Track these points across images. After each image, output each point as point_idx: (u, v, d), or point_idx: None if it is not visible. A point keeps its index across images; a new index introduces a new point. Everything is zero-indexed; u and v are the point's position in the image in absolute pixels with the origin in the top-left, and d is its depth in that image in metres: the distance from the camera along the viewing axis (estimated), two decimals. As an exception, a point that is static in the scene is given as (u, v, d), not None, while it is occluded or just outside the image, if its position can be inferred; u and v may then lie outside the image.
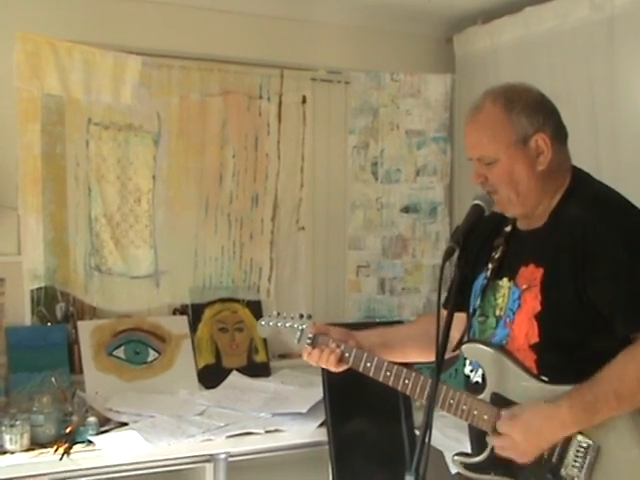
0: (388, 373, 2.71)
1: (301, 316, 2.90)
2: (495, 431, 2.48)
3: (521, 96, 2.57)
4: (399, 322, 4.50)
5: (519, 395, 2.51)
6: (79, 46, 4.18)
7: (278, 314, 2.96)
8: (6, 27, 4.05)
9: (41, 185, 4.16)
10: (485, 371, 2.58)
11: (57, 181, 4.29)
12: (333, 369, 2.83)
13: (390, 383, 2.71)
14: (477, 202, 2.58)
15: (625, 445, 2.40)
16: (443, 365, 2.46)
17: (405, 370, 2.69)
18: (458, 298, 2.63)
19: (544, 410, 2.41)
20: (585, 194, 2.56)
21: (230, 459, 3.88)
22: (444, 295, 2.65)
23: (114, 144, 4.43)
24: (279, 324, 2.93)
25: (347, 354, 2.80)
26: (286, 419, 4.06)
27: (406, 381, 2.68)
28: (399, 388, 2.70)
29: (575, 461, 2.41)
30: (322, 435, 4.01)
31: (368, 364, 2.75)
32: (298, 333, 2.87)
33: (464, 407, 2.56)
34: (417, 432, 4.02)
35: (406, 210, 5.21)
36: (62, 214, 4.31)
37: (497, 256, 2.68)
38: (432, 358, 2.82)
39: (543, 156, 2.53)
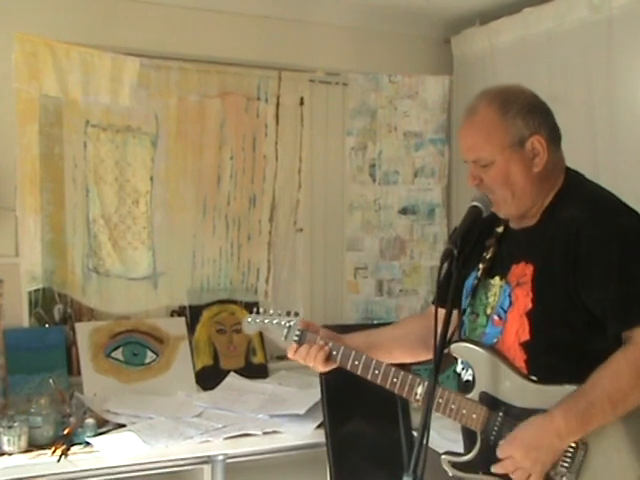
0: (376, 371, 2.70)
1: (288, 313, 2.89)
2: (497, 459, 2.47)
3: (516, 98, 2.57)
4: (396, 323, 4.51)
5: (508, 394, 2.52)
6: (77, 47, 4.18)
7: (265, 311, 2.94)
8: (4, 28, 4.06)
9: (39, 186, 4.17)
10: (474, 370, 2.59)
11: (55, 182, 4.29)
12: (320, 368, 2.81)
13: (378, 381, 2.71)
14: (475, 204, 2.59)
15: (613, 445, 2.41)
16: (441, 366, 2.45)
17: (393, 368, 2.68)
18: (454, 298, 2.63)
19: (538, 423, 2.41)
20: (578, 194, 2.57)
21: (228, 460, 3.88)
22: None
23: (112, 145, 4.43)
24: (266, 321, 2.91)
25: (335, 352, 2.78)
26: (284, 420, 4.06)
27: (394, 379, 2.67)
28: (387, 386, 2.69)
29: (564, 461, 2.42)
30: (320, 436, 4.01)
31: (356, 362, 2.75)
32: (285, 330, 2.85)
33: (453, 406, 2.56)
34: (415, 433, 4.01)
35: (404, 212, 5.21)
36: (60, 215, 4.31)
37: (488, 256, 2.69)
38: (419, 358, 2.86)
39: (539, 158, 2.54)
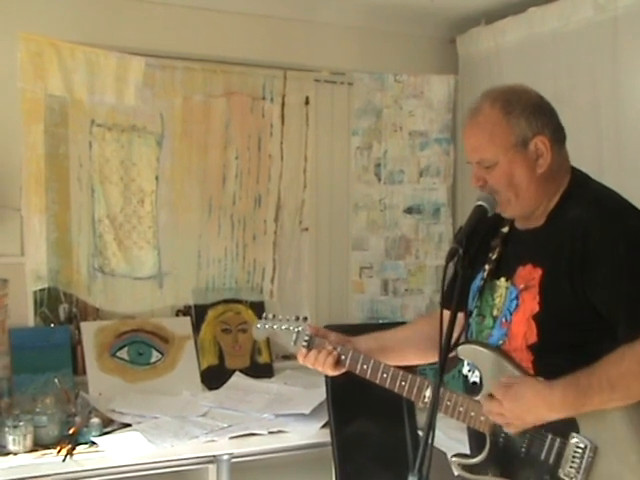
0: (384, 375, 2.72)
1: (297, 318, 2.91)
2: (490, 395, 2.50)
3: (520, 99, 2.56)
4: (402, 323, 4.49)
5: None
6: (82, 47, 4.19)
7: (274, 316, 2.96)
8: (9, 28, 4.06)
9: (44, 186, 4.17)
10: (481, 372, 2.59)
11: (60, 182, 4.29)
12: (330, 372, 2.83)
13: (387, 385, 2.72)
14: (480, 203, 2.58)
15: (623, 447, 2.40)
16: (446, 367, 2.45)
17: (401, 372, 2.70)
18: (460, 299, 2.62)
19: (537, 388, 2.43)
20: (585, 195, 2.56)
21: (233, 460, 3.88)
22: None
23: (117, 145, 4.43)
24: (275, 327, 2.94)
25: (343, 356, 2.80)
26: (289, 420, 4.06)
27: (402, 383, 2.69)
28: (395, 390, 2.71)
29: (573, 462, 2.42)
30: (325, 436, 4.01)
31: (364, 366, 2.76)
32: (294, 335, 2.88)
33: (461, 409, 2.58)
34: (420, 433, 4.02)
35: (409, 211, 5.21)
36: (65, 215, 4.31)
37: (494, 257, 2.69)
38: (430, 359, 2.86)
39: (542, 159, 2.53)
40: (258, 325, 2.99)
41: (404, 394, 2.70)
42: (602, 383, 2.34)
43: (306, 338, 2.84)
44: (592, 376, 2.35)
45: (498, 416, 2.48)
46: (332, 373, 2.84)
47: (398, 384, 2.69)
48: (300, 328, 2.87)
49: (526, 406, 2.42)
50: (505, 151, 2.52)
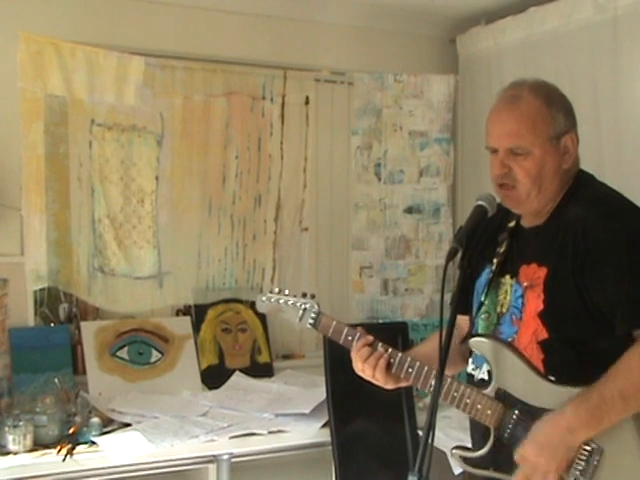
0: (392, 360, 2.69)
1: (304, 295, 2.86)
2: (510, 457, 2.46)
3: (557, 94, 2.60)
4: (402, 323, 4.50)
5: (524, 393, 2.50)
6: (82, 47, 4.18)
7: (280, 291, 2.91)
8: (10, 27, 4.06)
9: (44, 185, 4.16)
10: (491, 366, 2.57)
11: (60, 181, 4.29)
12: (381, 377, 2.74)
13: (393, 370, 2.69)
14: (480, 203, 2.58)
15: (630, 451, 2.40)
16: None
17: (409, 359, 2.67)
18: (462, 300, 2.61)
19: (549, 420, 2.41)
20: (587, 194, 2.57)
21: (233, 460, 3.87)
22: (448, 295, 2.62)
23: (117, 145, 4.43)
24: (281, 301, 2.88)
25: (350, 337, 2.77)
26: (289, 420, 4.06)
27: (409, 369, 2.66)
28: (402, 375, 2.67)
29: (578, 464, 2.41)
30: (325, 436, 4.00)
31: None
32: (300, 312, 2.83)
33: (467, 400, 2.55)
34: (420, 433, 4.02)
35: (409, 211, 5.21)
36: (65, 214, 4.31)
37: (502, 250, 2.68)
38: (458, 370, 2.82)
39: (568, 155, 2.56)
40: (263, 298, 2.93)
41: (410, 381, 2.67)
42: (614, 396, 2.34)
43: (313, 316, 2.81)
44: (602, 391, 2.35)
45: (535, 474, 2.41)
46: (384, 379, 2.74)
47: (405, 371, 2.67)
48: (307, 305, 2.82)
49: (549, 443, 2.39)
50: (542, 142, 2.53)
